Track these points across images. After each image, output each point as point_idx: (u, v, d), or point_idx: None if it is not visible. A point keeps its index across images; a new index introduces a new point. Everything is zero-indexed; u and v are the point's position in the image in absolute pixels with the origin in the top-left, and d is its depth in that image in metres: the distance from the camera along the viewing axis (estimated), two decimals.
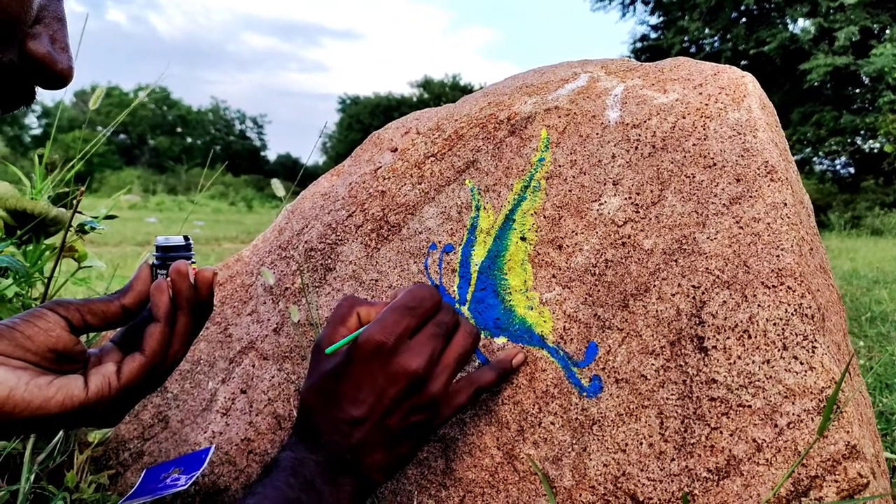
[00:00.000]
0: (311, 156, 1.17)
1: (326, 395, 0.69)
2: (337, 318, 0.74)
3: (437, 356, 0.70)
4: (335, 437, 0.68)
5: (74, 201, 1.08)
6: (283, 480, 0.63)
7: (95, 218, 1.23)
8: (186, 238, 0.72)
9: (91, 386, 0.64)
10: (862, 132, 14.97)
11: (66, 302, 0.66)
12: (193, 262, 0.72)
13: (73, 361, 0.66)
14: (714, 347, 0.71)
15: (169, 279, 0.69)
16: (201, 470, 0.88)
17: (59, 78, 0.55)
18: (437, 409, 0.71)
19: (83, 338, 1.23)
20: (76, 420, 0.64)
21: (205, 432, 1.01)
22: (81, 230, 1.17)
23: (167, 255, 0.71)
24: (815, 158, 16.43)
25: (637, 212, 0.80)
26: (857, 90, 15.38)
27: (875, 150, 15.19)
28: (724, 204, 0.76)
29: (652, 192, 0.80)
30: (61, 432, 1.03)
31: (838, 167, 16.87)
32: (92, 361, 0.68)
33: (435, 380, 0.70)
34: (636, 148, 0.83)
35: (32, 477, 0.97)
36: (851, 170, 16.51)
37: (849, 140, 15.17)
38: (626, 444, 0.73)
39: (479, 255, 0.87)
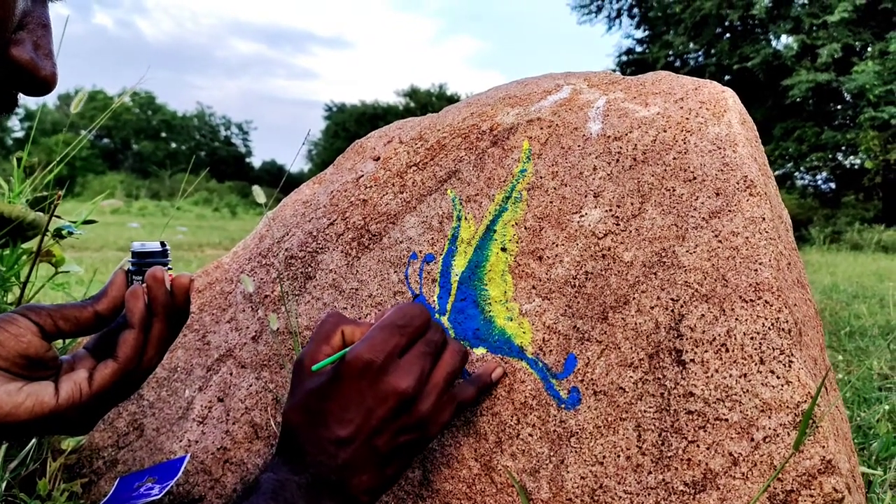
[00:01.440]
0: (294, 163, 1.17)
1: (311, 414, 0.67)
2: (321, 336, 0.72)
3: (427, 375, 0.69)
4: (320, 457, 0.66)
5: (52, 205, 1.07)
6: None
7: (74, 223, 1.22)
8: (163, 244, 0.72)
9: (62, 392, 0.63)
10: (843, 148, 15.15)
11: (38, 307, 0.65)
12: (170, 269, 0.71)
13: (45, 368, 0.65)
14: (692, 360, 0.71)
15: (144, 285, 0.68)
16: (175, 479, 0.87)
17: (42, 84, 0.54)
18: (425, 428, 0.69)
19: (59, 344, 1.22)
20: (47, 427, 0.63)
21: (180, 441, 0.99)
22: (59, 235, 1.16)
23: (143, 261, 0.70)
24: (796, 173, 16.60)
25: (617, 224, 0.80)
26: (839, 106, 15.57)
27: (856, 166, 15.38)
28: (703, 218, 0.76)
29: (632, 204, 0.80)
30: (34, 439, 1.02)
31: (819, 182, 17.06)
32: (64, 368, 0.67)
33: (424, 399, 0.69)
34: (617, 160, 0.83)
35: (4, 485, 0.95)
36: (832, 185, 16.69)
37: (830, 156, 15.34)
38: (604, 457, 0.73)
39: (459, 266, 0.87)
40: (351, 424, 0.66)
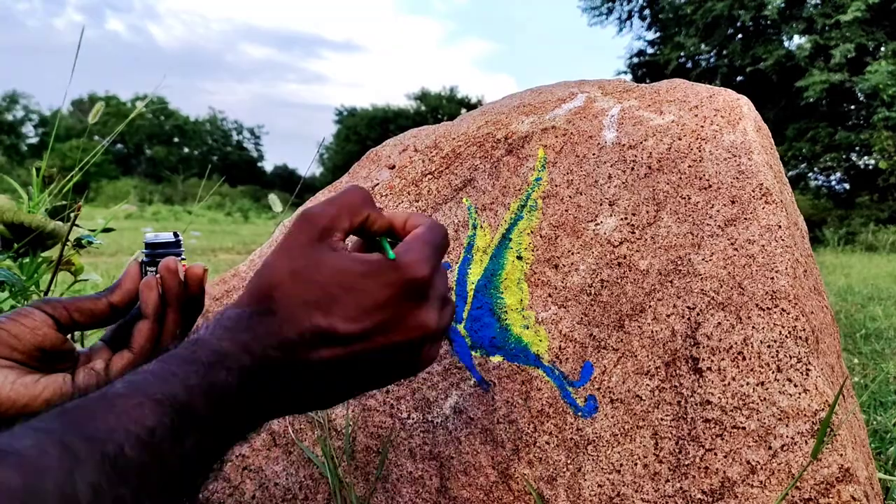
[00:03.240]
0: (309, 168, 1.18)
1: (313, 291, 0.55)
2: (344, 205, 0.61)
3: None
4: (294, 341, 0.54)
5: (72, 215, 1.08)
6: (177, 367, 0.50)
7: (93, 231, 1.23)
8: (176, 234, 0.72)
9: (79, 383, 0.64)
10: (857, 148, 15.06)
11: (54, 300, 0.66)
12: (183, 259, 0.71)
13: (62, 360, 0.66)
14: (709, 369, 0.72)
15: (158, 276, 0.68)
16: None
17: None
18: (415, 367, 0.61)
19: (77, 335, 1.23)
20: None
21: None
22: (78, 244, 1.17)
23: (156, 251, 0.70)
24: (810, 174, 16.50)
25: (633, 232, 0.80)
26: (853, 107, 15.48)
27: (870, 167, 15.27)
28: (719, 226, 0.76)
29: (648, 212, 0.80)
30: None
31: (833, 183, 16.95)
32: (81, 360, 0.68)
33: (435, 344, 0.62)
34: (632, 169, 0.83)
35: None
36: (846, 186, 16.58)
37: (844, 156, 15.25)
38: (621, 465, 0.74)
39: (475, 274, 0.88)
40: (357, 325, 0.55)
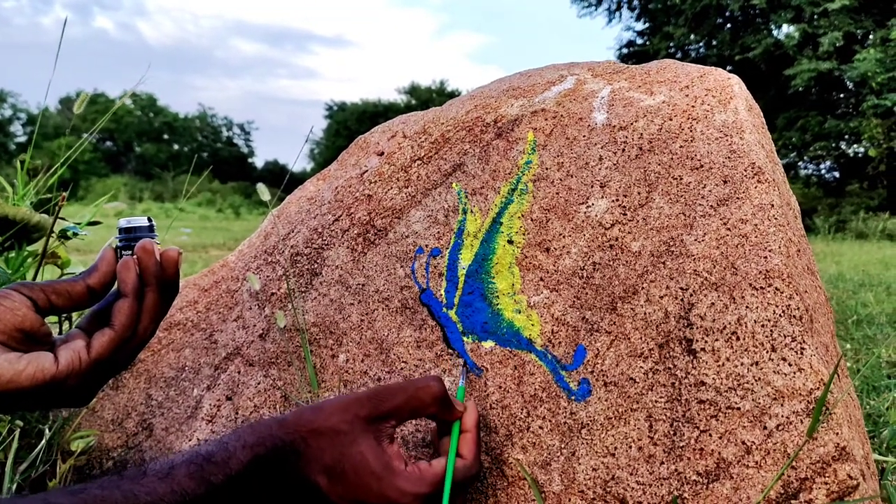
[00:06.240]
0: (296, 162, 1.17)
1: (332, 455, 0.65)
2: (413, 398, 0.69)
3: None
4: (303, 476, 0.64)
5: (56, 207, 1.07)
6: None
7: (78, 224, 1.22)
8: (150, 219, 0.72)
9: (61, 360, 0.64)
10: (846, 137, 15.09)
11: (31, 284, 0.66)
12: (158, 244, 0.72)
13: (40, 343, 0.66)
14: (702, 350, 0.71)
15: (135, 257, 0.69)
16: None
17: None
18: None
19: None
20: (47, 396, 0.64)
21: (190, 440, 0.99)
22: (64, 236, 1.15)
23: (130, 236, 0.71)
24: (800, 163, 16.53)
25: (624, 214, 0.80)
26: (842, 95, 15.51)
27: (859, 155, 15.32)
28: (711, 206, 0.75)
29: (639, 194, 0.80)
30: (43, 442, 1.02)
31: (823, 172, 17.00)
32: (58, 343, 0.68)
33: None
34: (623, 150, 0.82)
35: (14, 486, 0.95)
36: (836, 174, 16.63)
37: (833, 145, 15.28)
38: (616, 448, 0.73)
39: (466, 259, 0.87)
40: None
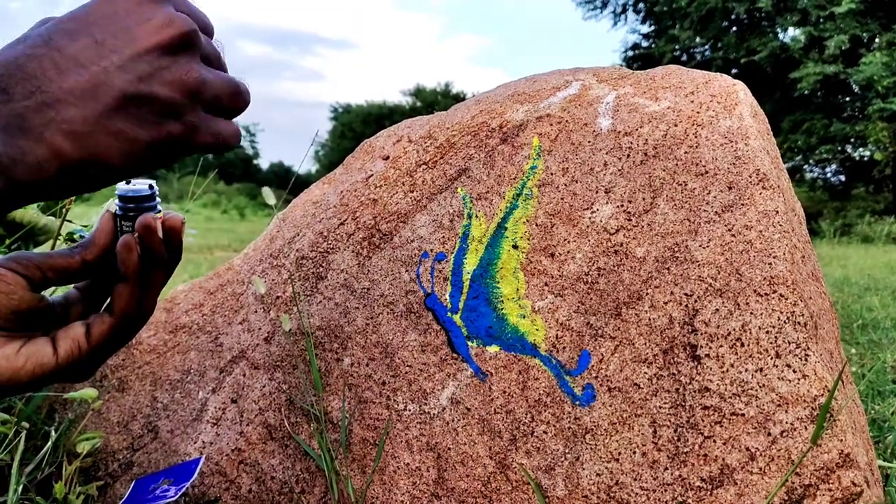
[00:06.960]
0: (302, 164, 1.17)
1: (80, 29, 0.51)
2: None
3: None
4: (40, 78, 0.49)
5: (63, 209, 1.07)
6: None
7: (85, 227, 1.22)
8: (151, 186, 0.67)
9: (61, 352, 0.63)
10: (852, 140, 15.06)
11: (25, 257, 0.63)
12: (159, 212, 0.68)
13: (38, 318, 0.64)
14: (707, 356, 0.71)
15: (136, 235, 0.64)
16: (191, 481, 0.87)
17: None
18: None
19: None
20: (47, 382, 0.64)
21: (195, 442, 1.00)
22: (70, 239, 1.16)
23: (129, 205, 0.66)
24: (805, 166, 16.51)
25: (629, 220, 0.80)
26: (847, 98, 15.47)
27: (865, 158, 15.29)
28: (716, 212, 0.75)
29: (644, 199, 0.80)
30: (49, 444, 1.02)
31: (829, 175, 16.96)
32: (57, 311, 0.66)
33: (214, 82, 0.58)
34: (628, 156, 0.83)
35: (20, 488, 0.96)
36: (842, 178, 16.59)
37: (839, 148, 15.25)
38: (619, 454, 0.73)
39: (471, 264, 0.87)
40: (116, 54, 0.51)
